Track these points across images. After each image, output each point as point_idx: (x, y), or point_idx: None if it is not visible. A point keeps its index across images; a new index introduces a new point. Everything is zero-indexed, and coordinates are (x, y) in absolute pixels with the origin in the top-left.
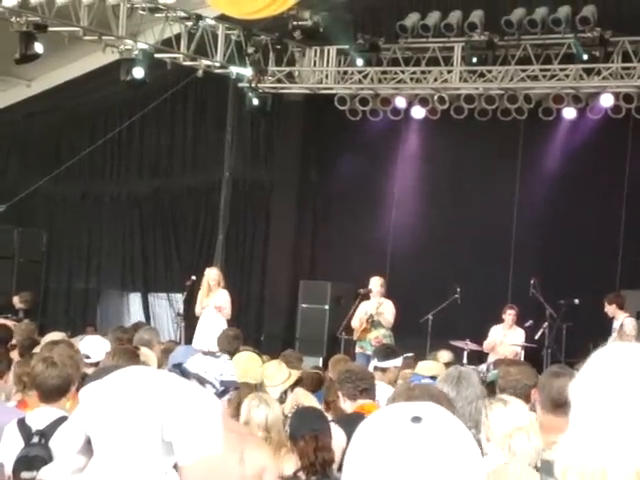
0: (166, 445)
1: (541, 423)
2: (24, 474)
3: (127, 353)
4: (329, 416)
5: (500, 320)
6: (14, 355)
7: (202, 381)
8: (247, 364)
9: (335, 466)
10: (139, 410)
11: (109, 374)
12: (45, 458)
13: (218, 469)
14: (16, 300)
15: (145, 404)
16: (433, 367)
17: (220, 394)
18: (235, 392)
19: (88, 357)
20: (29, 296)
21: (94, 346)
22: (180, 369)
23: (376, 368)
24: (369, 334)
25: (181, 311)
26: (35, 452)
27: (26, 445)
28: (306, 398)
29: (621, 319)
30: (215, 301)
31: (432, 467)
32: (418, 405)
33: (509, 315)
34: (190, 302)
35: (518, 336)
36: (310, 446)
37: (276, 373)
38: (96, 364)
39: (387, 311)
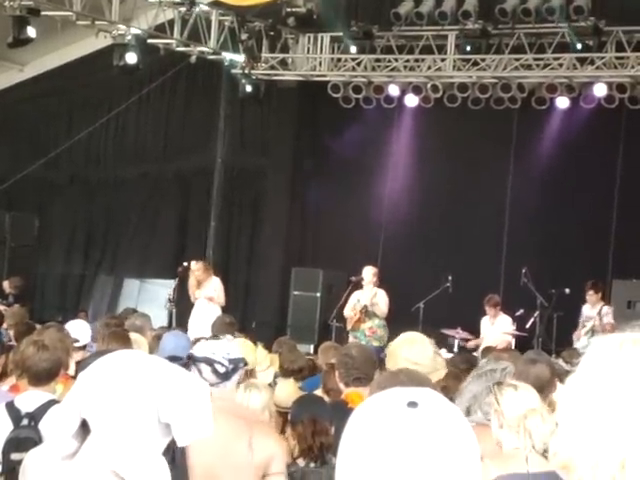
0: (162, 426)
1: None
2: (14, 455)
3: (119, 337)
4: None
5: None
6: None
7: (211, 362)
8: (242, 350)
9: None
10: (136, 392)
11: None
12: (35, 440)
13: (227, 455)
14: (6, 285)
15: (141, 386)
16: None
17: (231, 371)
18: (243, 370)
19: (77, 341)
20: (19, 281)
21: (80, 330)
22: (188, 356)
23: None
24: (363, 324)
25: (172, 297)
26: (25, 434)
27: (16, 427)
28: None
29: (599, 307)
30: (205, 292)
31: (430, 452)
32: (414, 390)
33: (488, 310)
34: (182, 288)
35: (505, 322)
36: (308, 429)
37: (262, 359)
38: (83, 347)
39: (381, 301)
